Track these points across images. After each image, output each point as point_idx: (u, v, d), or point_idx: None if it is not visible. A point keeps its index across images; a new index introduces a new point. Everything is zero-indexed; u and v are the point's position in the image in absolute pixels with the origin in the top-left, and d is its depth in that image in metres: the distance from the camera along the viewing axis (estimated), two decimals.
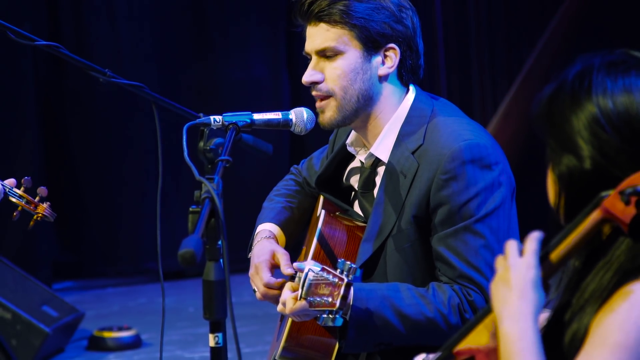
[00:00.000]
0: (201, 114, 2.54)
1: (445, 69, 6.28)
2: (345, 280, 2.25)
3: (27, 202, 2.97)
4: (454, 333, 1.78)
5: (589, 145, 1.68)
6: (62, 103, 6.74)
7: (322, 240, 2.51)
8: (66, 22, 6.64)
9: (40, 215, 2.99)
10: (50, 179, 6.58)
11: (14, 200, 2.95)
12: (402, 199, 2.47)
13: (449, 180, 2.41)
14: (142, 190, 6.85)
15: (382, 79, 2.51)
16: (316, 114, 2.54)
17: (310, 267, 2.27)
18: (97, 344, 5.36)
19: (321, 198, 2.72)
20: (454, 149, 2.42)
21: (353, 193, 2.67)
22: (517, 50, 6.56)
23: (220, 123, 2.39)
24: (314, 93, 2.52)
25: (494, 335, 1.70)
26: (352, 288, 2.30)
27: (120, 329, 5.40)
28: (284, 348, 2.51)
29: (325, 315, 2.26)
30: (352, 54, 2.47)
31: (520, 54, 6.54)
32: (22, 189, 2.97)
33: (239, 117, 2.41)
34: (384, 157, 2.52)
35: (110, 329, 5.39)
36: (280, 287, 2.47)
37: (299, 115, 2.51)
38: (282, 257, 2.53)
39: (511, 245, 1.70)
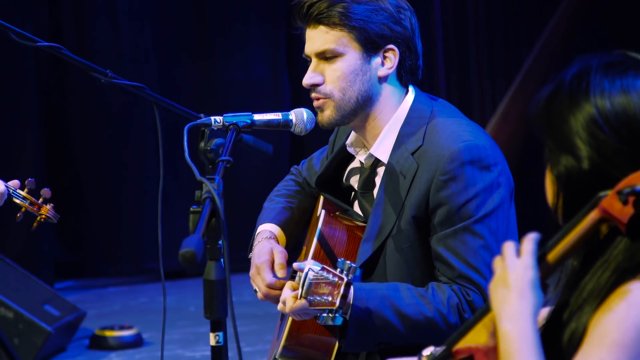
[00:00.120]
0: (202, 115, 2.54)
1: (444, 69, 6.28)
2: (345, 279, 2.25)
3: (31, 203, 2.98)
4: (453, 333, 1.79)
5: (586, 145, 1.69)
6: (63, 103, 6.74)
7: (322, 240, 2.52)
8: (67, 23, 6.64)
9: (43, 216, 2.99)
10: (52, 179, 6.59)
11: (17, 201, 2.96)
12: (401, 200, 2.47)
13: (448, 181, 2.42)
14: (143, 190, 6.85)
15: (382, 79, 2.52)
16: (315, 114, 2.55)
17: (310, 266, 2.28)
18: (98, 342, 5.37)
19: (321, 198, 2.72)
20: (453, 150, 2.42)
21: (353, 193, 2.67)
22: (515, 51, 6.56)
23: (221, 123, 2.39)
24: (313, 95, 2.52)
25: (493, 334, 1.70)
26: (351, 287, 2.31)
27: (121, 328, 5.41)
28: (284, 347, 2.51)
29: (325, 314, 2.27)
30: (352, 55, 2.48)
31: (519, 55, 6.54)
32: (25, 190, 2.98)
33: (240, 118, 2.42)
34: (384, 157, 2.53)
35: (111, 328, 5.39)
36: (282, 287, 2.47)
37: (299, 116, 2.51)
38: (278, 255, 2.54)
39: (509, 246, 1.71)
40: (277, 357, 2.56)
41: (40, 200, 2.99)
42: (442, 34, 6.27)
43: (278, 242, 2.65)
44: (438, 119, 2.50)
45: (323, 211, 2.56)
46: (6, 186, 2.92)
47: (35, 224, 2.99)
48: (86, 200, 6.79)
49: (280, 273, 2.50)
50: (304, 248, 2.75)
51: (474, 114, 6.44)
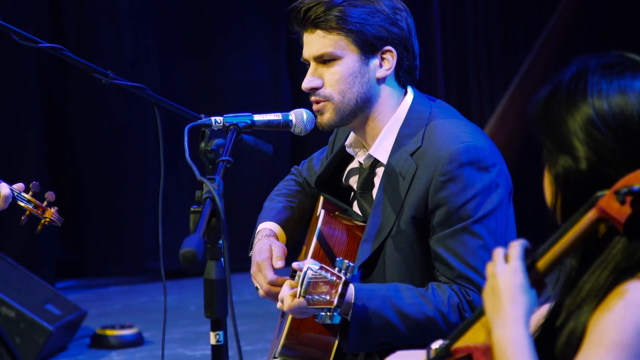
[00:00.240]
0: (202, 115, 2.55)
1: (442, 69, 6.28)
2: (343, 278, 2.25)
3: (35, 206, 2.99)
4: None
5: (584, 146, 1.69)
6: (64, 104, 6.75)
7: (321, 239, 2.53)
8: (69, 24, 6.64)
9: (47, 219, 3.01)
10: (53, 179, 6.60)
11: (22, 204, 2.97)
12: (400, 200, 2.48)
13: (447, 182, 2.42)
14: (144, 190, 6.86)
15: (380, 81, 2.52)
16: (315, 116, 2.56)
17: (309, 265, 2.28)
18: (99, 341, 5.37)
19: (321, 198, 2.73)
20: (451, 151, 2.43)
21: (352, 193, 2.68)
22: (514, 51, 6.56)
23: (221, 124, 2.39)
24: (313, 98, 2.53)
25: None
26: (349, 286, 2.31)
27: (122, 327, 5.41)
28: (284, 345, 2.52)
29: (323, 313, 2.27)
30: (350, 58, 2.48)
31: (518, 55, 6.54)
32: (30, 193, 2.99)
33: (240, 118, 2.42)
34: (383, 158, 2.54)
35: (112, 327, 5.40)
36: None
37: (298, 116, 2.52)
38: (276, 249, 2.55)
39: (497, 253, 1.71)
40: (276, 355, 2.57)
41: (45, 203, 3.00)
42: (440, 34, 6.27)
43: (278, 240, 2.66)
44: (437, 120, 2.51)
45: (322, 211, 2.57)
46: (11, 189, 2.93)
47: (39, 227, 3.00)
48: (87, 200, 6.80)
49: (278, 264, 2.50)
50: (304, 247, 2.76)
51: (473, 114, 6.44)
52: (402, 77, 2.54)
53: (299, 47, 2.56)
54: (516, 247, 1.70)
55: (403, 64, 2.52)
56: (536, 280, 1.70)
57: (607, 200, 1.65)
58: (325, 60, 2.50)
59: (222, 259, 2.01)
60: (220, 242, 2.00)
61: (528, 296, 1.67)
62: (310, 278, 2.28)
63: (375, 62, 2.50)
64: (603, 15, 6.34)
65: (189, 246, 1.86)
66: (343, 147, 2.65)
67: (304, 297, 2.28)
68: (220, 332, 2.04)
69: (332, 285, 2.26)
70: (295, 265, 2.40)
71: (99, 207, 6.82)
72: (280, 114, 2.51)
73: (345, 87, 2.49)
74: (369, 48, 2.48)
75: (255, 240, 2.66)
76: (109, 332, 5.36)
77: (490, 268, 1.71)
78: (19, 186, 2.98)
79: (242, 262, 3.66)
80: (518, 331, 1.65)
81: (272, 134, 3.05)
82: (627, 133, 1.68)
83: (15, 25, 2.77)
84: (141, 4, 6.74)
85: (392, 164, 2.51)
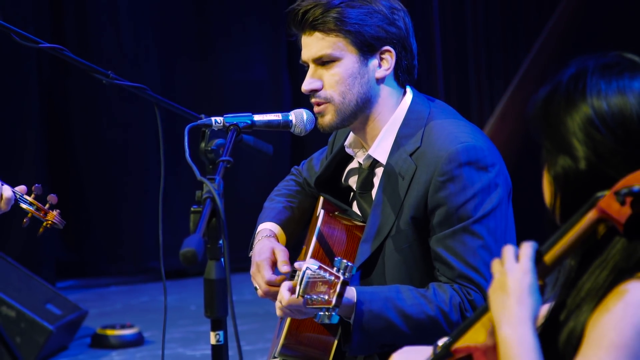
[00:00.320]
0: (202, 115, 2.55)
1: (442, 70, 6.28)
2: (342, 278, 2.25)
3: (37, 209, 3.00)
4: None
5: (583, 146, 1.69)
6: (64, 104, 6.75)
7: (321, 239, 2.53)
8: (69, 24, 6.65)
9: (49, 222, 3.02)
10: (53, 179, 6.60)
11: (24, 207, 2.98)
12: (400, 200, 2.48)
13: (446, 182, 2.43)
14: (144, 190, 6.86)
15: (380, 81, 2.53)
16: (315, 118, 2.56)
17: (308, 265, 2.29)
18: (100, 341, 5.38)
19: (321, 198, 2.73)
20: (450, 151, 2.43)
21: (352, 194, 2.69)
22: (513, 52, 6.55)
23: (222, 124, 2.40)
24: (313, 100, 2.53)
25: (491, 333, 1.71)
26: (348, 286, 2.32)
27: (122, 326, 5.42)
28: (283, 345, 2.53)
29: (322, 313, 2.27)
30: (349, 59, 2.49)
31: (517, 55, 6.54)
32: (32, 196, 3.00)
33: (240, 119, 2.42)
34: (382, 158, 2.54)
35: (113, 327, 5.40)
36: None
37: (298, 117, 2.52)
38: (280, 254, 2.55)
39: (508, 251, 1.71)
40: (276, 355, 2.58)
41: (47, 206, 3.01)
42: (440, 34, 6.27)
43: (278, 241, 2.67)
44: (436, 120, 2.51)
45: (322, 211, 2.57)
46: (13, 192, 2.94)
47: (41, 230, 3.01)
48: (87, 200, 6.80)
49: (284, 269, 2.51)
50: (304, 247, 2.76)
51: (473, 115, 6.44)
52: (401, 76, 2.55)
53: (299, 47, 2.57)
54: (528, 247, 1.70)
55: (402, 64, 2.53)
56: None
57: (607, 201, 1.65)
58: (324, 61, 2.50)
59: (222, 259, 2.01)
60: (221, 242, 2.01)
61: (535, 298, 1.67)
62: (309, 278, 2.28)
63: (374, 62, 2.51)
64: (603, 15, 6.34)
65: (189, 246, 1.86)
66: (342, 147, 2.66)
67: (302, 296, 2.28)
68: (221, 332, 2.04)
69: (331, 285, 2.26)
70: (296, 265, 2.41)
71: (99, 207, 6.83)
72: (280, 114, 2.52)
73: (345, 88, 2.50)
74: (367, 49, 2.48)
75: (256, 241, 2.67)
76: (110, 332, 5.37)
77: (498, 265, 1.71)
78: (21, 188, 2.98)
79: (242, 262, 3.66)
80: (525, 331, 1.65)
81: (272, 134, 3.06)
82: (626, 133, 1.69)
83: (15, 26, 2.78)
84: (142, 4, 6.75)
85: (391, 164, 2.51)
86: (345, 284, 2.26)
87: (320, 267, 2.28)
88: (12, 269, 5.19)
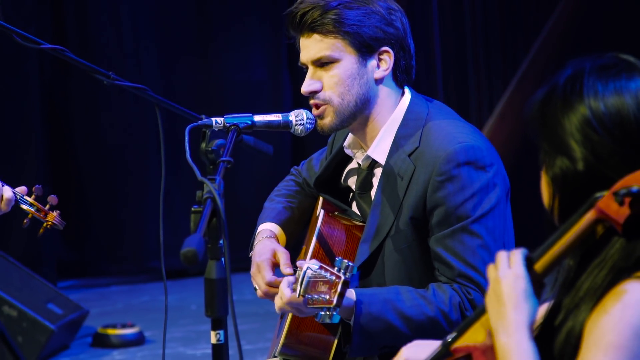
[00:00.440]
0: (203, 116, 2.55)
1: (441, 70, 6.28)
2: (343, 278, 2.25)
3: (38, 210, 3.01)
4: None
5: (581, 147, 1.70)
6: (66, 105, 6.76)
7: (321, 239, 2.53)
8: (70, 24, 6.65)
9: (49, 223, 3.02)
10: (55, 179, 6.61)
11: (24, 207, 2.99)
12: (399, 201, 2.48)
13: (444, 182, 2.43)
14: (145, 190, 6.86)
15: (378, 81, 2.53)
16: (315, 119, 2.57)
17: (309, 265, 2.29)
18: (101, 340, 5.38)
19: (321, 198, 2.74)
20: (449, 151, 2.44)
21: (351, 194, 2.70)
22: (512, 52, 6.55)
23: (222, 124, 2.40)
24: (312, 102, 2.53)
25: (490, 333, 1.71)
26: (349, 286, 2.33)
27: (124, 326, 5.42)
28: (283, 345, 2.53)
29: (322, 313, 2.27)
30: (348, 60, 2.49)
31: (516, 56, 6.53)
32: (32, 196, 3.00)
33: (240, 119, 2.43)
34: (381, 159, 2.55)
35: (114, 326, 5.41)
36: None
37: (298, 117, 2.53)
38: (282, 256, 2.55)
39: (501, 257, 1.72)
40: (276, 354, 2.58)
41: (47, 207, 3.02)
42: (439, 35, 6.27)
43: (278, 242, 2.67)
44: (434, 120, 2.52)
45: (322, 211, 2.58)
46: (14, 192, 2.94)
47: (41, 230, 3.02)
48: (89, 200, 6.81)
49: (287, 271, 2.51)
50: (304, 247, 2.76)
51: (472, 115, 6.44)
52: (400, 77, 2.55)
53: (298, 49, 2.57)
54: (519, 253, 1.71)
55: (400, 64, 2.53)
56: (535, 281, 1.70)
57: (606, 201, 1.65)
58: (323, 63, 2.50)
59: (223, 259, 2.01)
60: (221, 241, 2.01)
61: (531, 302, 1.67)
62: (310, 277, 2.28)
63: (373, 63, 2.51)
64: (601, 16, 6.34)
65: (190, 246, 1.86)
66: (342, 148, 2.66)
67: (303, 296, 2.29)
68: (221, 331, 2.04)
69: (332, 284, 2.27)
70: (299, 263, 2.42)
71: (100, 207, 6.83)
72: (280, 115, 2.52)
73: (344, 90, 2.50)
74: (366, 49, 2.49)
75: (256, 241, 2.67)
76: (111, 331, 5.38)
77: (493, 272, 1.72)
78: (21, 189, 2.99)
79: (242, 262, 3.67)
80: (521, 338, 1.66)
81: (272, 135, 3.07)
82: (624, 133, 1.69)
83: (16, 26, 2.78)
84: (142, 5, 6.75)
85: (390, 165, 2.52)
86: (346, 284, 2.26)
87: (321, 267, 2.28)
88: (13, 268, 5.20)
